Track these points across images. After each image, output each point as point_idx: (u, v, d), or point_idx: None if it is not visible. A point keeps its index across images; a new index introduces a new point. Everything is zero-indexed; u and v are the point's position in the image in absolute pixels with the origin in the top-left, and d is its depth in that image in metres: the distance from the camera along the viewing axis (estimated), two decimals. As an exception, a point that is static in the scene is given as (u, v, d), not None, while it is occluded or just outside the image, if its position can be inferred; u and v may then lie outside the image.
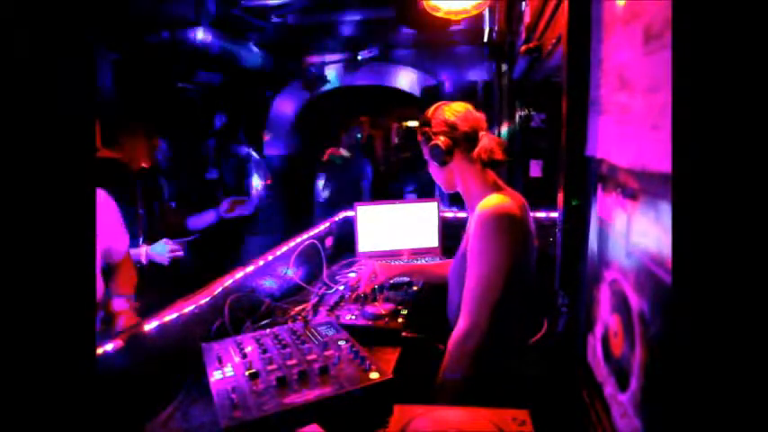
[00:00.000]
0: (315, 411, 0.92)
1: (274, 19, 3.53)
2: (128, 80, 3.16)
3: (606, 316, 0.79)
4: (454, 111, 1.34)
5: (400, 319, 1.44)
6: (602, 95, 0.88)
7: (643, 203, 0.63)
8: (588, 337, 0.89)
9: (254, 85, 4.29)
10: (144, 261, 2.05)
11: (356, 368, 1.04)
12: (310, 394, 0.94)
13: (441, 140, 1.30)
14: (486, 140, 1.31)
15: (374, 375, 1.01)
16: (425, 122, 1.36)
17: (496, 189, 1.31)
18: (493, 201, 1.22)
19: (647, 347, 0.61)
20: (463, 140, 1.31)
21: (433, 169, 1.41)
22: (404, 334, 1.39)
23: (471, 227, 1.25)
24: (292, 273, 1.85)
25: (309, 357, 1.09)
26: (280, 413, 0.89)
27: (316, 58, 4.00)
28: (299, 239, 1.97)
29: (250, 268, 1.61)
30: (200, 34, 3.05)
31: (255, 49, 3.63)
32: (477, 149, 1.30)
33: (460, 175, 1.35)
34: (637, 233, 0.66)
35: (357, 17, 3.67)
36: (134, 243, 2.02)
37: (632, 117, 0.69)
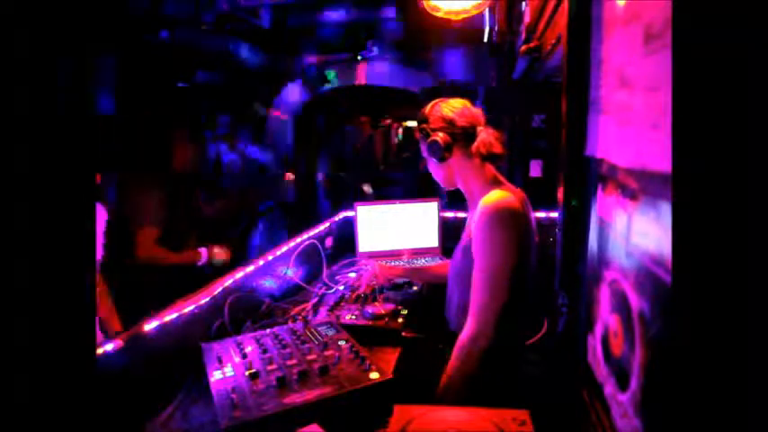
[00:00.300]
0: (315, 411, 0.92)
1: (274, 18, 3.53)
2: (127, 80, 3.16)
3: (606, 316, 0.79)
4: (452, 107, 1.34)
5: (400, 319, 1.44)
6: (602, 95, 0.88)
7: (643, 203, 0.63)
8: (588, 337, 0.89)
9: (255, 85, 4.28)
10: (203, 262, 2.17)
11: (356, 368, 1.04)
12: (310, 394, 0.94)
13: (439, 136, 1.30)
14: (484, 135, 1.31)
15: (374, 375, 1.01)
16: (423, 119, 1.36)
17: (497, 184, 1.31)
18: (495, 196, 1.21)
19: (647, 347, 0.61)
20: (461, 136, 1.31)
21: (432, 166, 1.40)
22: (404, 334, 1.39)
23: (474, 223, 1.25)
24: (292, 273, 1.85)
25: (309, 357, 1.09)
26: (280, 413, 0.89)
27: (316, 58, 4.00)
28: (298, 239, 1.97)
29: (250, 268, 1.61)
30: (200, 34, 3.06)
31: (255, 48, 3.63)
32: (475, 144, 1.30)
33: (460, 170, 1.35)
34: (637, 233, 0.66)
35: (357, 17, 3.67)
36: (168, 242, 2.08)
37: (632, 117, 0.69)
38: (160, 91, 3.52)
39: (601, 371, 0.80)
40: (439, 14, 2.21)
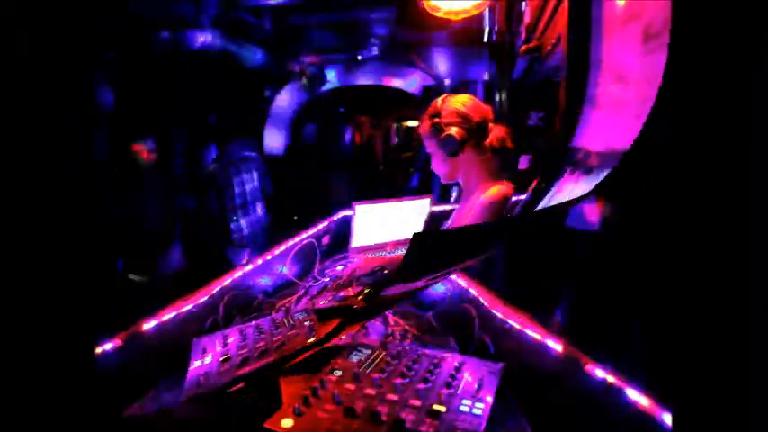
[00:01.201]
0: (261, 376, 0.97)
1: (274, 19, 3.52)
2: (127, 80, 3.16)
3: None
4: (463, 102, 1.32)
5: (360, 297, 1.44)
6: (598, 93, 0.88)
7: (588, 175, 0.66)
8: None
9: (254, 85, 4.28)
10: None
11: (303, 339, 1.08)
12: (258, 364, 0.99)
13: (454, 131, 1.28)
14: (496, 130, 1.31)
15: (311, 340, 1.05)
16: (435, 114, 1.34)
17: (498, 178, 1.32)
18: (495, 190, 1.29)
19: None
20: (476, 131, 1.30)
21: (438, 160, 1.38)
22: (354, 307, 1.39)
23: (471, 213, 1.28)
24: (287, 270, 1.85)
25: (276, 338, 1.12)
26: (230, 380, 0.95)
27: (316, 58, 4.00)
28: (297, 239, 1.98)
29: (249, 267, 1.62)
30: (201, 34, 3.06)
31: (255, 48, 3.63)
32: (489, 138, 1.30)
33: (467, 165, 1.34)
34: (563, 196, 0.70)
35: (357, 17, 3.67)
36: None
37: (623, 110, 0.69)
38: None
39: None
40: (439, 14, 2.21)
